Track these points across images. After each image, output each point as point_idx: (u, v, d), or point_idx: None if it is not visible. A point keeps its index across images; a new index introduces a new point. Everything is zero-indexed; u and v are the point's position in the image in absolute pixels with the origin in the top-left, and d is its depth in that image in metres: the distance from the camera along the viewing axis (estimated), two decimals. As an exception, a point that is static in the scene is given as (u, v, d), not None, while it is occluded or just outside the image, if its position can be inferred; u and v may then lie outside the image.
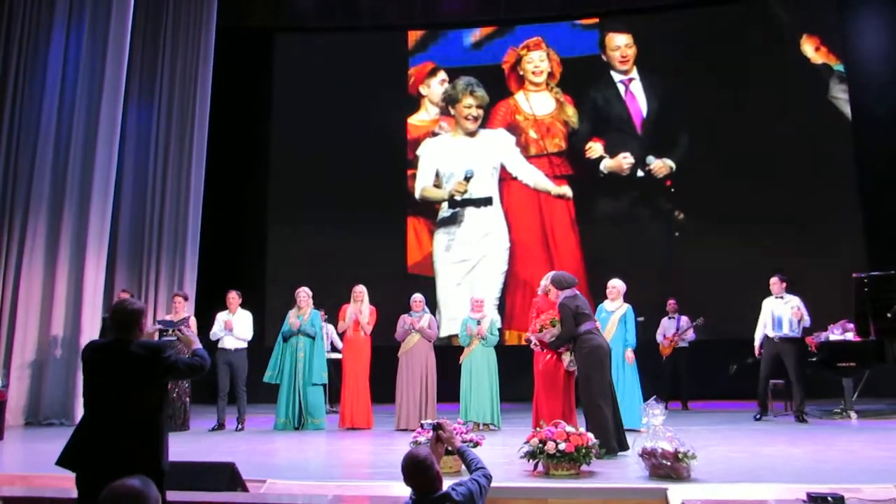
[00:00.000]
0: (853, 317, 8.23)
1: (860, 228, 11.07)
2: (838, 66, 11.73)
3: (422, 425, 5.59)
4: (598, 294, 11.03)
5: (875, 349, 8.01)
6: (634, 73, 12.54)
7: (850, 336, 8.20)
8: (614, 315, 7.57)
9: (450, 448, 3.48)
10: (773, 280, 8.28)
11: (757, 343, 8.30)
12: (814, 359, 8.28)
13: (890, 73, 11.42)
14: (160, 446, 3.08)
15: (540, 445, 4.78)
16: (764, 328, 8.22)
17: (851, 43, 11.77)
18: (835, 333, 8.27)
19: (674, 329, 9.88)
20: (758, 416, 8.14)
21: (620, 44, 12.63)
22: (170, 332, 3.47)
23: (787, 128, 11.53)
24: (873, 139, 11.21)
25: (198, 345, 3.46)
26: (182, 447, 6.58)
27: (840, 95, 11.65)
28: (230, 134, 12.15)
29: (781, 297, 8.15)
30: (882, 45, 11.66)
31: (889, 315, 7.94)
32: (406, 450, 3.09)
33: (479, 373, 7.84)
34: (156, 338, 7.70)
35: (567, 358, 6.44)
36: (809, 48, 11.88)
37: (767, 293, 8.31)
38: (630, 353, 7.46)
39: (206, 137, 11.09)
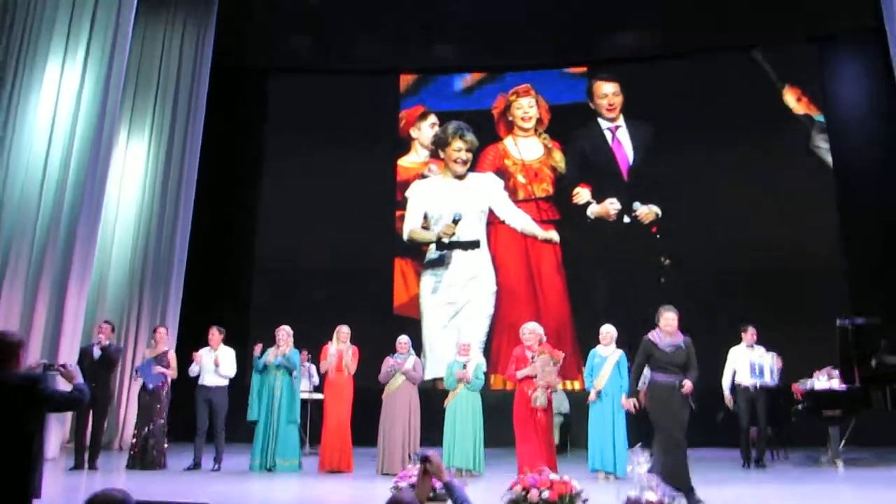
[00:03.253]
0: (838, 364, 8.22)
1: (843, 276, 11.14)
2: (819, 117, 11.95)
3: (409, 457, 5.47)
4: (583, 339, 11.05)
5: (861, 396, 8.00)
6: (621, 121, 12.71)
7: (835, 383, 8.17)
8: (609, 360, 7.55)
9: (437, 482, 3.34)
10: (752, 330, 8.27)
11: (727, 392, 8.21)
12: (800, 406, 8.24)
13: (869, 124, 11.65)
14: (30, 477, 3.15)
15: (523, 493, 4.70)
16: (734, 376, 8.18)
17: (831, 94, 12.01)
18: (820, 380, 8.23)
19: (653, 376, 9.84)
20: (746, 465, 8.06)
21: (608, 92, 12.83)
22: (54, 367, 3.53)
23: (771, 176, 11.67)
24: (855, 188, 11.37)
25: (79, 379, 3.53)
26: (157, 486, 6.43)
27: (822, 145, 11.84)
28: (221, 171, 12.18)
29: (752, 347, 8.19)
30: (861, 97, 11.91)
31: (873, 363, 7.96)
32: (387, 495, 3.00)
33: (464, 417, 7.73)
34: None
35: (539, 395, 6.70)
36: (792, 98, 12.11)
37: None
38: (625, 400, 7.41)
39: (196, 172, 11.16)
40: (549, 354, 7.02)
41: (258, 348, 8.06)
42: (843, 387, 8.01)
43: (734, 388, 8.18)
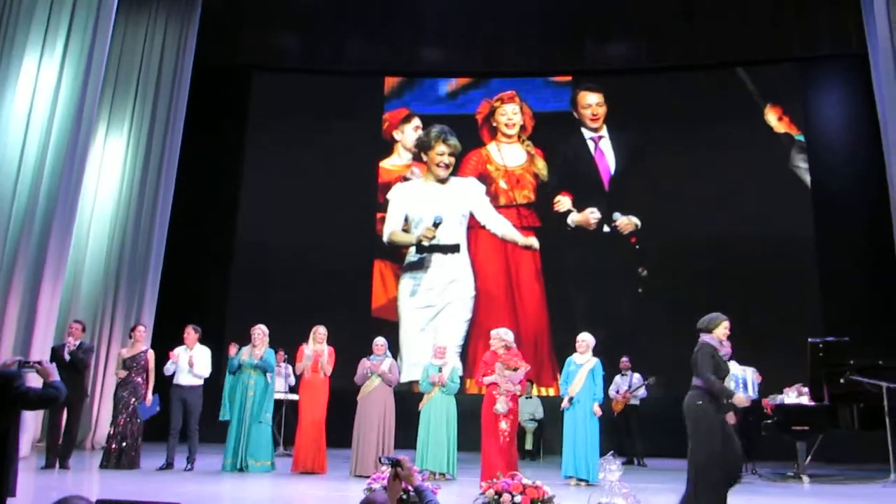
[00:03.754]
0: (808, 381, 8.34)
1: (817, 295, 11.32)
2: (799, 136, 12.14)
3: (380, 460, 5.44)
4: (560, 346, 11.14)
5: (828, 414, 8.13)
6: (604, 132, 12.83)
7: (804, 400, 8.30)
8: (583, 368, 7.64)
9: (407, 486, 3.38)
10: (726, 343, 8.25)
11: None
12: (769, 421, 8.35)
13: (848, 146, 11.87)
14: (4, 475, 3.15)
15: (496, 497, 4.73)
16: None
17: (812, 114, 12.22)
18: (790, 396, 8.36)
19: (626, 386, 9.95)
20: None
21: (592, 102, 12.94)
22: (29, 363, 3.51)
23: (749, 193, 11.84)
24: (831, 209, 11.57)
25: (55, 377, 3.51)
26: (129, 486, 6.39)
27: (801, 164, 12.04)
28: (200, 170, 12.10)
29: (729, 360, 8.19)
30: (841, 117, 12.14)
31: (842, 381, 8.07)
32: (361, 496, 3.02)
33: (438, 420, 7.77)
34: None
35: (499, 401, 6.97)
36: (773, 117, 12.30)
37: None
38: (597, 408, 7.55)
39: (175, 170, 11.11)
40: (503, 362, 7.15)
41: (233, 348, 8.03)
42: (812, 404, 8.13)
43: None
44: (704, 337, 5.38)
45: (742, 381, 8.00)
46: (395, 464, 3.31)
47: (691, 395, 5.03)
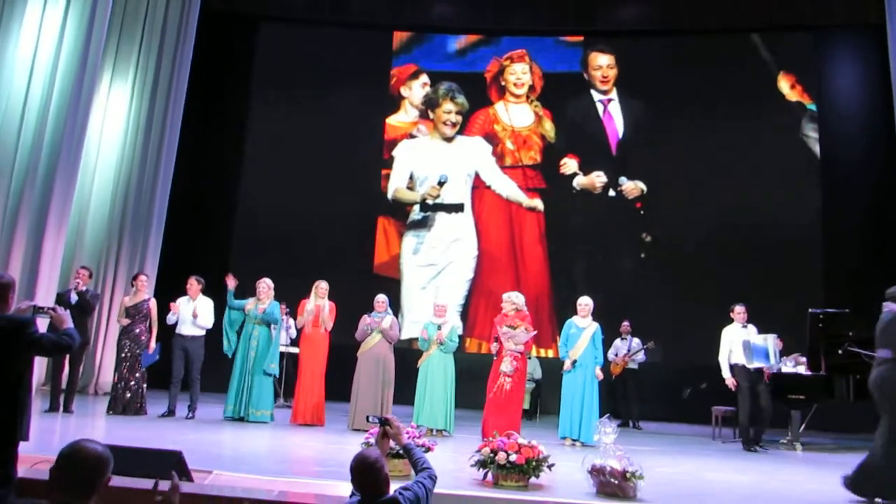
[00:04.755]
0: (806, 351, 8.38)
1: (820, 266, 11.30)
2: (811, 106, 11.99)
3: (367, 419, 5.48)
4: (560, 308, 11.18)
5: (824, 384, 8.17)
6: (614, 94, 12.68)
7: (801, 370, 8.34)
8: (586, 332, 7.70)
9: (396, 444, 3.44)
10: (740, 309, 8.11)
11: (727, 372, 8.01)
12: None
13: (860, 117, 11.72)
14: (17, 420, 3.15)
15: (491, 455, 4.79)
16: (730, 356, 7.99)
17: (825, 84, 12.05)
18: (787, 365, 8.40)
19: (625, 350, 10.01)
20: (753, 448, 7.75)
21: (602, 64, 12.76)
22: (43, 309, 3.50)
23: (758, 162, 11.74)
24: (840, 179, 11.49)
25: (69, 324, 3.49)
26: (130, 432, 6.49)
27: (811, 134, 11.91)
28: (206, 118, 12.04)
29: (745, 327, 8.04)
30: (854, 88, 11.97)
31: (840, 352, 8.10)
32: (358, 450, 3.06)
33: (436, 378, 7.86)
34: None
35: (505, 361, 7.13)
36: (786, 85, 12.13)
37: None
38: (599, 371, 7.63)
39: (180, 120, 11.05)
40: (507, 324, 7.33)
41: (230, 280, 8.07)
42: (809, 373, 8.17)
43: (733, 368, 7.99)
44: (892, 306, 5.17)
45: (763, 350, 7.92)
46: (384, 422, 3.36)
47: (885, 368, 4.93)
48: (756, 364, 7.90)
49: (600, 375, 7.71)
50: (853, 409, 8.47)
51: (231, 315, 8.19)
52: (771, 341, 7.98)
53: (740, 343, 7.96)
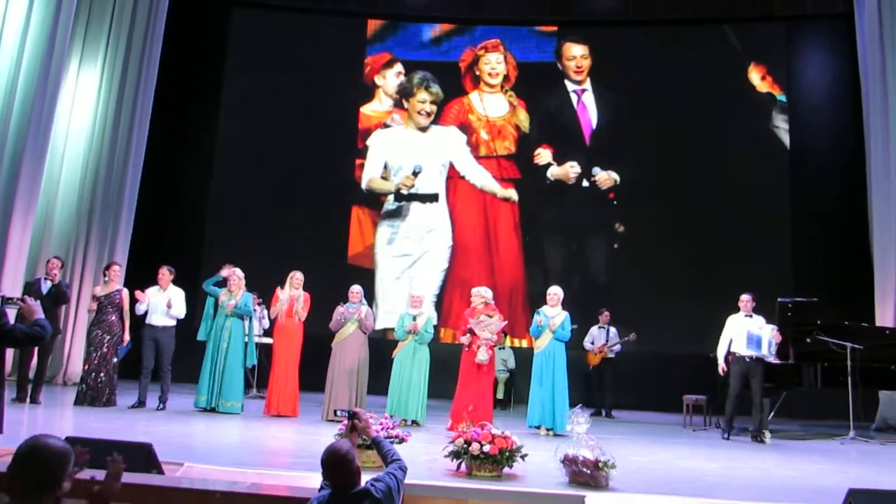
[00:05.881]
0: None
1: (789, 256, 11.47)
2: (781, 97, 12.13)
3: (335, 413, 5.46)
4: (535, 298, 11.23)
5: (793, 372, 8.30)
6: (588, 85, 12.71)
7: (770, 358, 8.44)
8: (553, 321, 7.70)
9: (364, 438, 3.44)
10: (747, 297, 8.01)
11: (721, 359, 8.05)
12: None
13: (829, 108, 11.89)
14: None
15: (465, 446, 4.79)
16: (730, 345, 7.95)
17: (795, 75, 12.18)
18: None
19: (603, 339, 10.03)
20: (726, 436, 7.83)
21: (576, 54, 12.78)
22: (13, 300, 3.46)
23: (729, 152, 11.86)
24: (808, 169, 11.65)
25: (40, 315, 3.46)
26: (100, 423, 6.40)
27: (781, 125, 12.05)
28: (177, 106, 11.87)
29: (750, 316, 7.94)
30: (823, 79, 12.12)
31: (808, 340, 8.23)
32: (331, 441, 3.04)
33: (410, 369, 7.86)
34: None
35: (480, 352, 7.33)
36: (756, 76, 12.24)
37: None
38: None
39: (150, 106, 10.89)
40: (482, 313, 7.56)
41: (225, 270, 7.99)
42: (778, 361, 8.28)
43: (728, 356, 7.97)
44: None
45: (756, 339, 7.90)
46: (352, 416, 3.35)
47: None
48: (749, 352, 7.82)
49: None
50: (822, 395, 8.62)
51: (210, 305, 8.07)
52: (767, 332, 7.91)
53: (742, 333, 7.87)
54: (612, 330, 10.10)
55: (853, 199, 10.70)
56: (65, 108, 10.13)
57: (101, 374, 7.69)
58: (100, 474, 2.24)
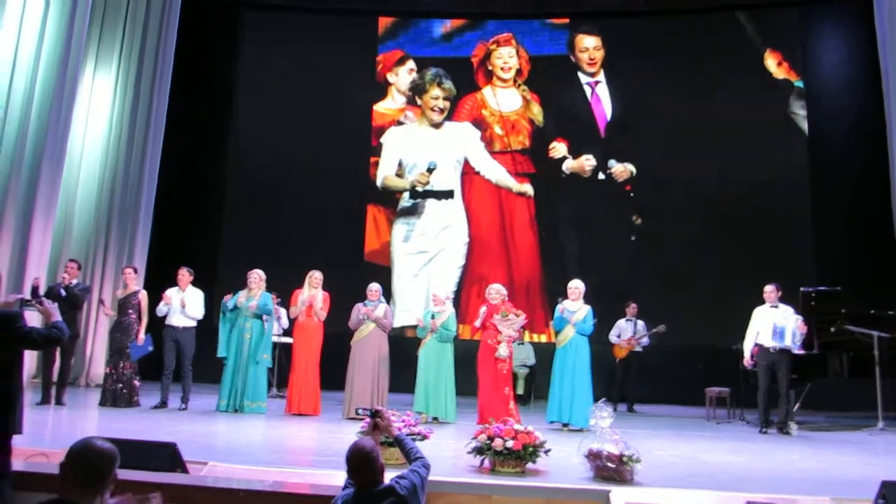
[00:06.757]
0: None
1: (810, 245, 11.32)
2: (798, 83, 11.98)
3: (357, 411, 5.45)
4: (552, 293, 11.18)
5: (818, 362, 8.20)
6: (601, 76, 12.61)
7: (796, 349, 8.33)
8: (576, 315, 7.65)
9: (386, 436, 3.43)
10: (770, 288, 7.84)
11: (748, 352, 7.91)
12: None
13: (847, 94, 11.71)
14: (9, 413, 3.16)
15: (488, 442, 4.77)
16: (756, 336, 7.81)
17: (811, 60, 12.02)
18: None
19: (630, 332, 9.91)
20: (764, 430, 7.68)
21: (589, 46, 12.69)
22: (31, 302, 3.52)
23: (746, 140, 11.72)
24: (828, 156, 11.49)
25: (57, 317, 3.51)
26: (124, 424, 6.44)
27: (799, 111, 11.90)
28: (191, 108, 11.91)
29: (776, 307, 7.78)
30: (840, 64, 11.95)
31: (832, 329, 8.11)
32: (353, 439, 3.03)
33: (432, 366, 7.84)
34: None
35: (501, 347, 7.35)
36: (772, 62, 12.09)
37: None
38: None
39: (165, 109, 10.97)
40: (506, 311, 7.54)
41: (228, 298, 8.01)
42: (802, 352, 8.15)
43: (754, 349, 7.83)
44: None
45: (780, 330, 7.74)
46: (374, 414, 3.33)
47: None
48: (773, 343, 7.67)
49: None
50: (848, 386, 8.49)
51: (225, 321, 8.07)
52: (792, 323, 7.74)
53: (768, 324, 7.70)
54: (640, 323, 9.95)
55: (875, 185, 10.53)
56: (81, 114, 10.22)
57: (123, 375, 7.75)
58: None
